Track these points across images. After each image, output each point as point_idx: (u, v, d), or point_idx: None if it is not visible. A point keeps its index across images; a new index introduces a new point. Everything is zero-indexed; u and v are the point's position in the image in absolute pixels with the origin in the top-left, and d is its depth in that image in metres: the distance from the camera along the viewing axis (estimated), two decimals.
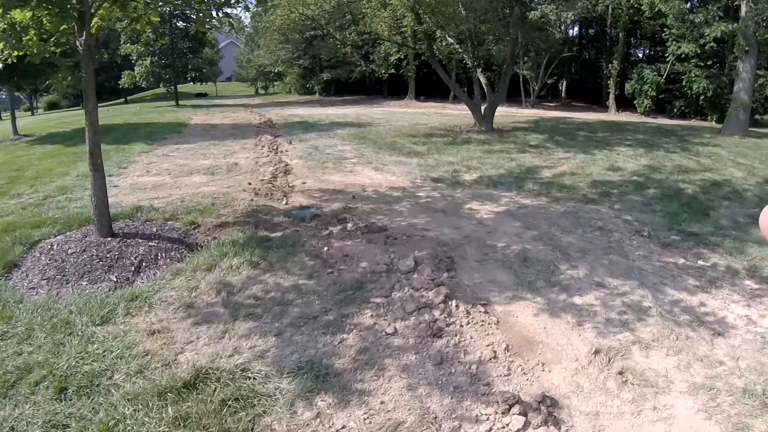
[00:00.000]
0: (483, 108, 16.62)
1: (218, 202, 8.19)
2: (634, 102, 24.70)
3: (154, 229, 6.96)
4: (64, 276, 5.57)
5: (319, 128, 17.41)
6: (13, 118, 17.00)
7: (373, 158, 11.90)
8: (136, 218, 7.56)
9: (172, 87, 29.15)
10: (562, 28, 29.62)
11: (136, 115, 23.21)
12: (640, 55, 32.15)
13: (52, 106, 35.70)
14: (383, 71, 28.54)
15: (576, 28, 33.45)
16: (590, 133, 16.07)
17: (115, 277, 5.67)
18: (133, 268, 5.79)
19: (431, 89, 32.67)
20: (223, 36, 52.62)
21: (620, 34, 27.15)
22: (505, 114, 21.75)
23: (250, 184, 9.45)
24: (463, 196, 8.72)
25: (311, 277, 5.36)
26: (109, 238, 6.37)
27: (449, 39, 16.28)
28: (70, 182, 9.84)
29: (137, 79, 27.22)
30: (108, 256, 5.99)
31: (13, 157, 13.11)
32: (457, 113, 23.43)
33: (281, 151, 12.87)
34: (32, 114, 30.00)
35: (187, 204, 8.15)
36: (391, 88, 34.62)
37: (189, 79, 29.89)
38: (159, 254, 6.10)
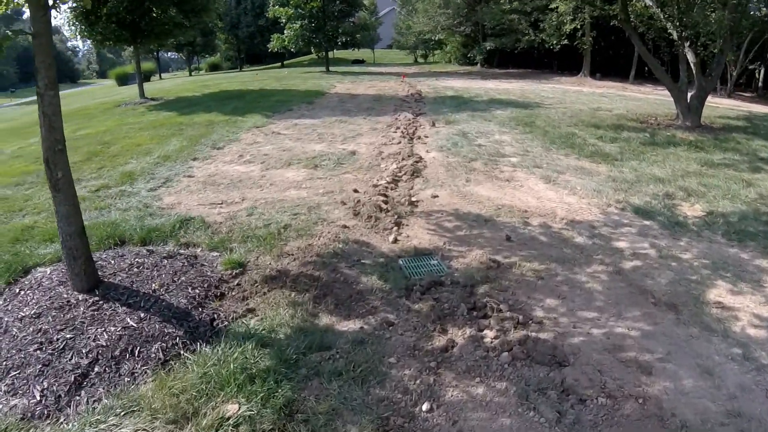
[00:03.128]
0: (689, 96, 11.39)
1: (294, 225, 5.27)
2: None
3: (170, 275, 4.25)
4: None
5: (475, 106, 13.70)
6: (140, 81, 16.30)
7: (542, 159, 8.00)
8: (168, 241, 4.99)
9: (323, 52, 27.51)
10: None
11: (278, 81, 21.83)
12: None
13: (214, 68, 36.98)
14: (554, 42, 23.61)
15: None
16: None
17: (40, 392, 3.01)
18: (72, 379, 3.07)
19: (609, 66, 26.53)
20: (385, 1, 50.52)
21: None
22: None
23: (356, 191, 6.39)
24: (694, 260, 4.63)
25: None
26: (82, 296, 3.77)
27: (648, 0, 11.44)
28: (143, 166, 7.79)
29: (286, 42, 26.02)
30: (56, 339, 3.36)
31: (117, 125, 11.89)
32: (642, 97, 17.74)
33: (418, 137, 9.60)
34: (189, 75, 30.98)
35: (252, 222, 5.38)
36: (562, 63, 29.04)
37: (340, 44, 27.98)
38: (134, 348, 3.30)
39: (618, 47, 26.15)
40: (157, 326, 3.49)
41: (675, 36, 12.03)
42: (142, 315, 3.60)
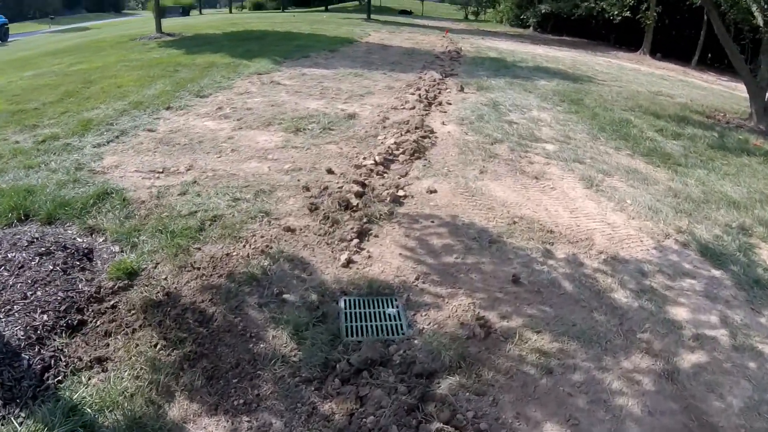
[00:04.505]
0: None
1: (227, 217, 3.88)
2: None
3: (29, 284, 3.02)
4: None
5: (516, 72, 11.66)
6: (158, 15, 14.89)
7: (585, 150, 6.18)
8: (74, 221, 3.81)
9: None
10: None
11: (311, 24, 20.00)
12: None
13: (258, 7, 35.30)
14: (615, 12, 20.96)
15: None
16: None
17: None
18: None
19: (670, 46, 23.22)
20: None
21: None
22: None
23: (330, 172, 4.87)
24: None
25: None
26: None
27: None
28: (108, 113, 6.49)
29: None
30: None
31: (116, 61, 10.59)
32: (706, 86, 15.03)
33: (438, 103, 7.87)
34: (230, 12, 29.44)
35: (179, 205, 4.05)
36: (621, 36, 25.76)
37: None
38: None
39: (683, 27, 22.94)
40: None
41: (760, 21, 9.60)
42: None
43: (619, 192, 4.87)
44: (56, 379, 2.58)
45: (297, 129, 6.15)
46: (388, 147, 5.60)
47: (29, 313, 2.97)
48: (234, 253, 3.41)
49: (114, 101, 7.11)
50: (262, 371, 2.48)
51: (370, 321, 2.82)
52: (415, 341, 2.66)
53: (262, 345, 2.64)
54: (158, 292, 3.09)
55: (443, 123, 6.77)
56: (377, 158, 5.19)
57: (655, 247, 3.90)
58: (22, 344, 2.76)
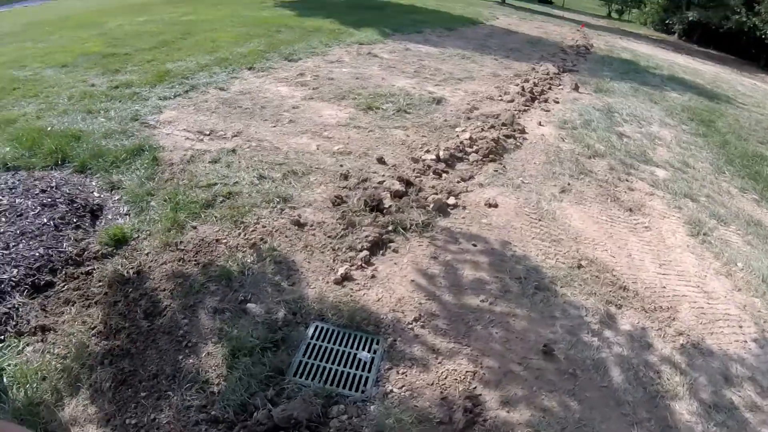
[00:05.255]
0: None
1: (241, 197, 3.51)
2: None
3: (17, 234, 2.90)
4: None
5: (646, 78, 9.99)
6: None
7: (702, 186, 4.89)
8: (100, 174, 3.77)
9: None
10: None
11: (440, 0, 19.09)
12: None
13: None
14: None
15: None
16: None
17: None
18: None
19: None
20: None
21: None
22: None
23: (381, 162, 4.25)
24: None
25: None
26: None
27: None
28: (189, 67, 6.44)
29: None
30: None
31: (226, 15, 10.73)
32: None
33: (544, 100, 6.85)
34: None
35: (202, 174, 3.79)
36: None
37: None
38: None
39: None
40: None
41: None
42: None
43: (731, 249, 3.67)
44: (4, 335, 2.39)
45: (369, 107, 5.58)
46: (461, 142, 4.82)
47: (2, 264, 2.81)
48: (224, 240, 2.97)
49: (201, 55, 7.06)
50: (173, 393, 2.01)
51: (333, 363, 2.21)
52: (371, 407, 2.00)
53: (190, 361, 2.16)
54: (131, 269, 2.76)
55: (540, 123, 5.78)
56: (442, 153, 4.46)
57: (756, 338, 2.78)
58: None
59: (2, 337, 2.38)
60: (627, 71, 10.27)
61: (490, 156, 4.67)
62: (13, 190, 3.37)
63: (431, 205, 3.60)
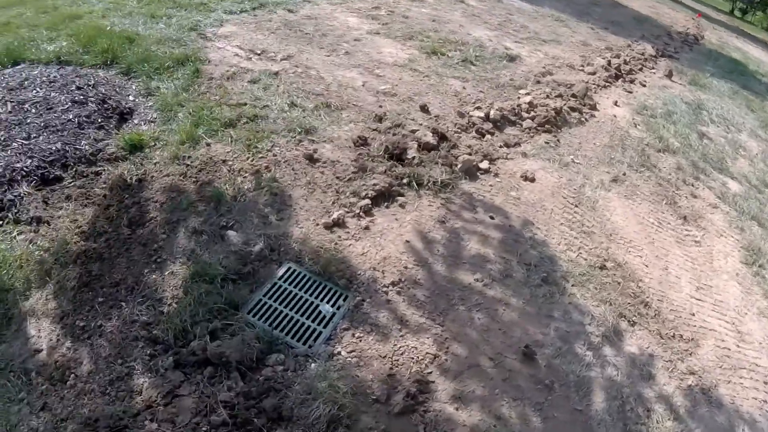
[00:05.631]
0: None
1: (267, 122, 3.43)
2: None
3: (40, 125, 3.03)
4: None
5: (750, 83, 8.73)
6: None
7: None
8: (141, 78, 3.83)
9: None
10: None
11: None
12: None
13: None
14: None
15: None
16: None
17: None
18: None
19: None
20: None
21: None
22: None
23: (424, 110, 4.02)
24: None
25: None
26: None
27: None
28: None
29: None
30: None
31: None
32: None
33: (630, 81, 6.14)
34: None
35: (237, 92, 3.73)
36: None
37: None
38: None
39: None
40: None
41: None
42: None
43: None
44: (8, 213, 2.50)
45: (434, 52, 5.20)
46: (519, 105, 4.39)
47: (19, 154, 2.89)
48: (230, 162, 2.89)
49: None
50: (126, 305, 2.00)
51: (292, 309, 2.10)
52: (311, 365, 1.89)
53: (153, 276, 2.13)
54: (135, 176, 2.75)
55: (615, 103, 5.17)
56: (493, 113, 4.09)
57: None
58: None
59: (1, 222, 2.46)
60: (732, 71, 8.97)
61: (546, 126, 4.23)
62: (52, 84, 3.42)
63: (459, 165, 3.31)
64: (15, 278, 2.10)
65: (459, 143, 3.59)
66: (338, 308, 2.14)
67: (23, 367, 1.79)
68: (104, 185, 2.70)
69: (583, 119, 4.55)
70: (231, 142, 3.09)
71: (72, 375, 1.78)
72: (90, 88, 3.47)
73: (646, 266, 2.92)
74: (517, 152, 3.75)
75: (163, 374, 1.74)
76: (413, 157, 3.24)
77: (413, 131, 3.56)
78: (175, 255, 2.25)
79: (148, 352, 1.83)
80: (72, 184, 2.72)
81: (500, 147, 3.75)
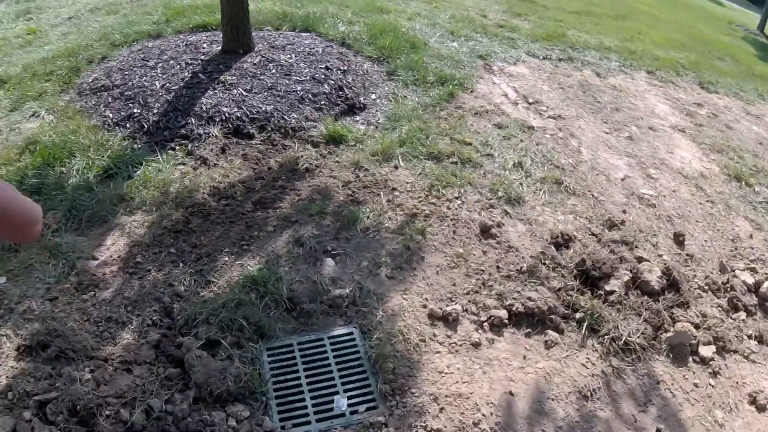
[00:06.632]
0: None
1: (481, 186, 2.96)
2: None
3: (288, 85, 3.40)
4: None
5: None
6: None
7: None
8: (391, 61, 4.13)
9: None
10: None
11: None
12: None
13: None
14: None
15: None
16: None
17: None
18: None
19: None
20: None
21: None
22: None
23: (677, 241, 2.97)
24: None
25: None
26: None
27: None
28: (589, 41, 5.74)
29: None
30: None
31: (682, 20, 8.91)
32: None
33: None
34: None
35: (478, 138, 3.45)
36: None
37: None
38: None
39: None
40: None
41: None
42: None
43: None
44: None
45: (738, 177, 3.80)
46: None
47: (231, 101, 2.98)
48: (397, 193, 2.58)
49: (611, 37, 6.10)
50: (181, 267, 1.95)
51: (309, 377, 1.65)
52: None
53: (225, 260, 2.01)
54: (307, 165, 2.70)
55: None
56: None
57: None
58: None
59: (177, 146, 2.67)
60: None
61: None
62: (308, 57, 3.60)
63: (670, 333, 2.24)
64: (137, 193, 2.21)
65: (692, 304, 2.44)
66: (353, 413, 1.59)
67: (74, 262, 1.87)
68: (277, 160, 2.70)
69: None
70: (420, 174, 2.75)
71: (92, 294, 1.78)
72: (338, 71, 3.57)
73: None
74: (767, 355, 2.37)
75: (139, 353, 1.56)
76: (613, 291, 2.32)
77: (639, 258, 2.58)
78: (260, 252, 2.05)
79: (149, 322, 1.69)
80: (256, 145, 2.79)
81: (748, 337, 2.42)
